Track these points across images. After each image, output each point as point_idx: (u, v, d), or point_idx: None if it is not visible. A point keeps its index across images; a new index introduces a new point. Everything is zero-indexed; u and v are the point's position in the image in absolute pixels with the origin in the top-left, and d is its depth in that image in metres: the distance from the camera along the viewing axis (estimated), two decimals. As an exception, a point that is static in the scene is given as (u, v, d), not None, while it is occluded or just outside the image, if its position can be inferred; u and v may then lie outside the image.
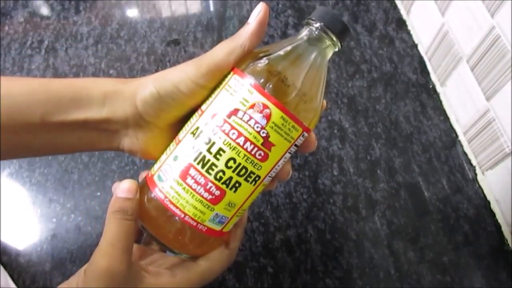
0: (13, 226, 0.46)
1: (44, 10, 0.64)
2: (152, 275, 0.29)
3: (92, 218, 0.47)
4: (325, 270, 0.45)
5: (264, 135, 0.28)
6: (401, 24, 0.65)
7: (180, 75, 0.29)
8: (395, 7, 0.67)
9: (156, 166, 0.31)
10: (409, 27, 0.65)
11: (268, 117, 0.28)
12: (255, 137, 0.28)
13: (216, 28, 0.63)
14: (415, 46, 0.63)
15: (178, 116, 0.31)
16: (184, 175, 0.28)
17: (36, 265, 0.44)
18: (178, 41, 0.61)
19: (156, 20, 0.63)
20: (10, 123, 0.28)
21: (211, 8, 0.66)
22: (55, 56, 0.59)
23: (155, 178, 0.30)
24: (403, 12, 0.66)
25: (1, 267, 0.43)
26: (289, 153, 0.30)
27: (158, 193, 0.29)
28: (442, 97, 0.58)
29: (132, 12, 0.65)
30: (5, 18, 0.62)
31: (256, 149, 0.28)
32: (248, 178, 0.29)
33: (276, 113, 0.28)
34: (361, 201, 0.50)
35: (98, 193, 0.48)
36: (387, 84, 0.59)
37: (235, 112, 0.28)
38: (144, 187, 0.30)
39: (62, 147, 0.32)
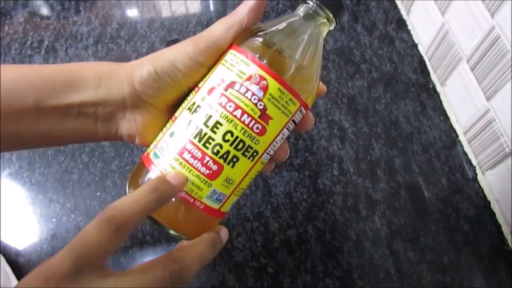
0: (13, 226, 0.46)
1: (44, 10, 0.64)
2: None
3: (92, 218, 0.45)
4: (325, 270, 0.45)
5: (261, 107, 0.28)
6: (401, 24, 0.65)
7: (177, 53, 0.29)
8: (395, 7, 0.67)
9: (152, 145, 0.30)
10: (409, 27, 0.65)
11: (265, 89, 0.27)
12: (252, 110, 0.27)
13: (216, 28, 0.63)
14: (415, 46, 0.63)
15: (176, 96, 0.31)
16: (181, 150, 0.28)
17: (36, 265, 0.43)
18: (178, 41, 0.61)
19: (156, 20, 0.63)
20: (3, 110, 0.28)
21: (211, 8, 0.66)
22: (55, 56, 0.59)
23: (151, 155, 0.29)
24: (403, 12, 0.66)
25: (7, 265, 0.42)
26: (287, 129, 0.30)
27: (155, 169, 0.29)
28: (442, 97, 0.58)
29: (132, 12, 0.65)
30: (5, 18, 0.62)
31: (253, 122, 0.28)
32: (246, 153, 0.28)
33: (273, 84, 0.27)
34: (361, 201, 0.50)
35: (98, 193, 0.48)
36: (387, 84, 0.59)
37: (231, 84, 0.28)
38: (140, 167, 0.30)
39: (57, 136, 0.31)
